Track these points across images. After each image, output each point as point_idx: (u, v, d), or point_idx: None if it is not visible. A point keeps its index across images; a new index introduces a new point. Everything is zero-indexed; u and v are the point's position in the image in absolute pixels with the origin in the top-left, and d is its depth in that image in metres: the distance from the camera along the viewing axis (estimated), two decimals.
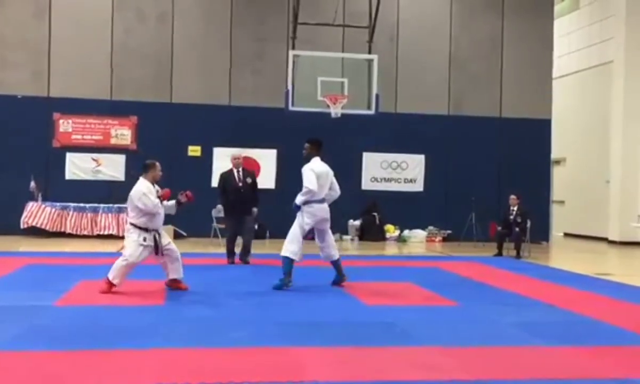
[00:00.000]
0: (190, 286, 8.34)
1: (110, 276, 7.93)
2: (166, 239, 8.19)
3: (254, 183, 11.66)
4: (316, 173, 8.56)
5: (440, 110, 17.67)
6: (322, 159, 8.85)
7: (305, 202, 8.56)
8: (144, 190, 7.94)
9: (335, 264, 8.96)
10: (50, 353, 5.28)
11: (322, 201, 8.68)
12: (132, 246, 7.93)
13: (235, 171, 11.54)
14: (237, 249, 11.48)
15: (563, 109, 19.54)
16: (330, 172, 8.85)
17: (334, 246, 8.92)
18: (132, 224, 8.02)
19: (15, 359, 5.08)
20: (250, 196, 11.42)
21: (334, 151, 17.02)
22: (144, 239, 7.91)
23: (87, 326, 6.29)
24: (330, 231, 8.96)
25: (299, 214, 8.64)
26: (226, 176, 11.58)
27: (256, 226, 15.95)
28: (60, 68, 16.20)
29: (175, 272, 8.23)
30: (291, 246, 8.53)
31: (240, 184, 11.38)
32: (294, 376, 4.81)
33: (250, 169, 12.59)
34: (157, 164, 8.30)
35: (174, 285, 8.27)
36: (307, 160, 8.74)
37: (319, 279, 9.75)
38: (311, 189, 8.48)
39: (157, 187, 8.21)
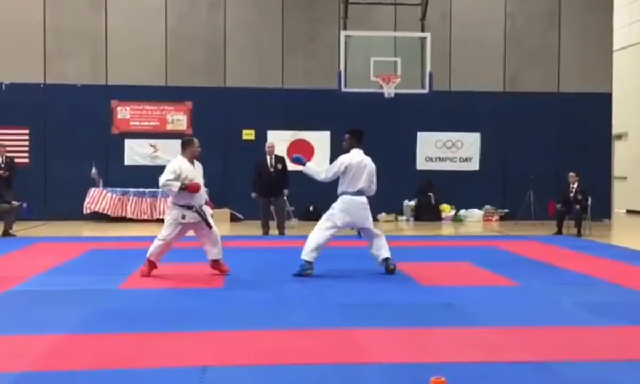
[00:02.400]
0: (232, 269, 8.33)
1: (149, 255, 8.13)
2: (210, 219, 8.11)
3: (284, 168, 12.98)
4: (346, 164, 8.21)
5: (496, 87, 17.33)
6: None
7: (341, 193, 8.32)
8: (169, 167, 7.98)
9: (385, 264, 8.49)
10: (116, 335, 5.43)
11: (357, 193, 8.29)
12: (170, 224, 8.06)
13: (268, 158, 12.98)
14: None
15: (624, 82, 18.91)
16: (370, 165, 8.43)
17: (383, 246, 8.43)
18: (173, 202, 8.15)
19: (84, 342, 5.24)
20: (281, 179, 12.86)
21: (387, 132, 17.06)
22: (183, 217, 7.95)
23: (151, 309, 6.44)
24: (372, 229, 8.46)
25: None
26: (261, 163, 13.00)
27: (311, 207, 16.21)
28: (117, 56, 16.53)
29: (215, 254, 8.24)
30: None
31: (272, 170, 12.88)
32: (354, 357, 4.83)
33: (280, 155, 13.63)
34: (195, 140, 8.32)
35: (216, 267, 8.32)
36: (347, 151, 8.42)
37: (374, 260, 9.75)
38: (322, 178, 8.36)
39: (197, 164, 8.19)
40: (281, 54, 16.94)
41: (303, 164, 8.44)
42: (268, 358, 4.79)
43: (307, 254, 8.19)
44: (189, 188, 7.88)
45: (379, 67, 13.70)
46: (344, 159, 8.31)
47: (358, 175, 8.28)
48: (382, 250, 8.44)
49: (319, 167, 9.04)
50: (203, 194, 8.20)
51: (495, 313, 6.27)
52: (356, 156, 8.36)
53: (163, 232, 8.12)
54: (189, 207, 7.97)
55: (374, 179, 8.49)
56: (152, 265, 8.16)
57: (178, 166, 7.97)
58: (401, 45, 14.37)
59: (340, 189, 8.38)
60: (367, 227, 8.44)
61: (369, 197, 8.48)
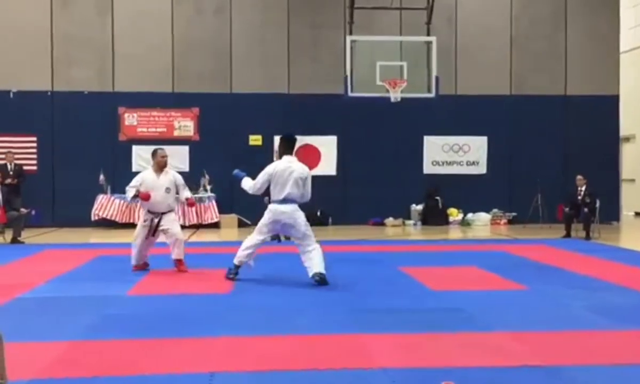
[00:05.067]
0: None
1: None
2: (168, 223, 8.82)
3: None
4: (270, 173, 8.05)
5: (502, 90, 17.29)
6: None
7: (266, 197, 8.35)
8: (135, 177, 9.17)
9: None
10: (124, 342, 5.44)
11: (282, 201, 8.04)
12: (138, 227, 9.13)
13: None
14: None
15: (631, 84, 18.83)
16: (298, 172, 8.08)
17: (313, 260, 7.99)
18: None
19: (92, 349, 5.25)
20: None
21: (394, 136, 17.05)
22: (144, 221, 8.92)
23: (159, 315, 6.44)
24: (309, 242, 8.04)
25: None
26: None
27: (318, 213, 16.21)
28: (124, 63, 16.58)
29: (176, 254, 8.87)
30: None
31: None
32: (361, 363, 4.81)
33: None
34: (159, 151, 9.16)
35: (177, 266, 8.90)
36: (280, 159, 8.27)
37: (382, 265, 9.74)
38: (253, 191, 8.27)
39: (167, 174, 8.99)
40: (287, 59, 16.96)
41: (240, 179, 8.40)
42: (276, 363, 4.79)
43: (236, 258, 8.27)
44: (140, 196, 8.82)
45: (385, 72, 13.69)
46: (268, 169, 8.15)
47: (283, 183, 8.02)
48: (313, 264, 7.94)
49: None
50: (161, 201, 8.85)
51: (504, 318, 6.24)
52: (282, 164, 8.15)
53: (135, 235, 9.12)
54: (150, 212, 8.87)
55: (307, 185, 8.16)
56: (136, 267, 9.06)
57: (141, 176, 9.05)
58: (407, 49, 14.35)
59: (271, 198, 8.21)
60: (296, 236, 8.15)
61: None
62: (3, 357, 3.14)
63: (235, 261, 8.27)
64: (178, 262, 8.88)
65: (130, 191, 8.90)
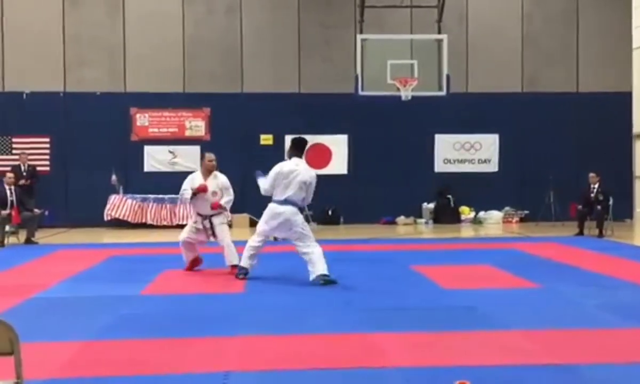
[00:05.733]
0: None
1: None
2: (217, 228, 8.78)
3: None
4: (276, 172, 8.07)
5: (514, 88, 17.23)
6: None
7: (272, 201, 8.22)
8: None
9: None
10: (139, 341, 5.47)
11: (282, 202, 8.03)
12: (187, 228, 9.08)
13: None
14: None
15: None
16: (304, 176, 8.05)
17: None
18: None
19: (107, 349, 5.28)
20: None
21: (405, 135, 17.03)
22: (195, 221, 8.92)
23: (172, 315, 6.48)
24: (307, 243, 8.06)
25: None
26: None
27: (330, 212, 16.24)
28: (135, 64, 16.66)
29: (227, 260, 8.76)
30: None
31: None
32: (375, 362, 4.82)
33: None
34: (207, 155, 9.15)
35: (231, 270, 8.70)
36: (289, 159, 8.33)
37: (393, 264, 9.74)
38: (264, 189, 8.20)
39: (215, 176, 8.92)
40: (298, 58, 16.97)
41: (258, 178, 8.42)
42: (290, 362, 4.80)
43: (242, 260, 8.32)
44: (198, 189, 8.74)
45: (395, 70, 13.68)
46: (275, 168, 8.19)
47: (286, 184, 8.02)
48: (315, 268, 7.93)
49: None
50: (208, 205, 8.78)
51: (517, 316, 6.23)
52: (288, 165, 8.16)
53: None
54: (198, 215, 8.89)
55: (310, 190, 8.15)
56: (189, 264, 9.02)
57: (191, 178, 9.03)
58: (418, 47, 14.33)
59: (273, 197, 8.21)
60: (293, 237, 8.14)
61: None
62: (19, 357, 3.17)
63: (242, 264, 8.32)
64: (232, 267, 8.65)
65: (186, 193, 8.80)
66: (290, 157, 8.33)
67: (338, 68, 16.55)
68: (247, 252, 8.33)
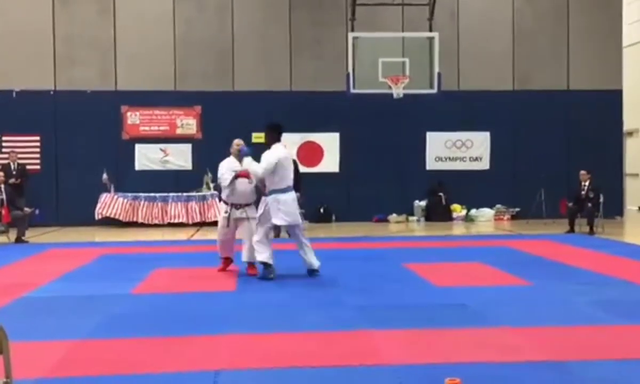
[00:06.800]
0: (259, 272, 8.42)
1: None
2: (247, 219, 8.40)
3: (297, 170, 12.29)
4: (280, 158, 8.06)
5: (505, 86, 17.26)
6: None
7: (271, 192, 8.10)
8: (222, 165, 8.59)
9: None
10: (129, 341, 5.45)
11: (285, 189, 8.11)
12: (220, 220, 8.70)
13: None
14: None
15: (635, 78, 18.77)
16: (290, 159, 8.35)
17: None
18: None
19: (97, 348, 5.25)
20: (295, 182, 12.47)
21: (397, 132, 17.03)
22: (225, 212, 8.52)
23: (164, 314, 6.45)
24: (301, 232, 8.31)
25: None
26: None
27: (322, 210, 16.23)
28: (126, 62, 16.59)
29: (244, 255, 8.47)
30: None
31: None
32: (367, 359, 4.82)
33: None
34: (235, 141, 8.75)
35: (248, 269, 8.51)
36: (269, 147, 8.24)
37: (386, 262, 9.74)
38: (261, 174, 8.06)
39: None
40: (289, 56, 16.95)
41: (246, 155, 8.27)
42: (282, 361, 4.79)
43: (260, 258, 8.15)
44: (240, 174, 8.34)
45: (387, 68, 13.68)
46: (271, 157, 8.04)
47: (286, 172, 8.12)
48: (312, 258, 8.23)
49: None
50: (244, 191, 8.49)
51: (509, 313, 6.24)
52: (282, 152, 8.19)
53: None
54: (232, 204, 8.47)
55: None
56: (224, 262, 8.75)
57: (227, 161, 8.58)
58: (409, 45, 14.34)
59: (270, 187, 8.10)
60: (297, 225, 8.24)
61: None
62: (8, 356, 3.15)
63: (262, 260, 8.12)
64: (248, 265, 8.52)
65: (227, 174, 8.35)
66: (269, 145, 8.26)
67: (329, 66, 16.54)
68: (258, 248, 8.10)
